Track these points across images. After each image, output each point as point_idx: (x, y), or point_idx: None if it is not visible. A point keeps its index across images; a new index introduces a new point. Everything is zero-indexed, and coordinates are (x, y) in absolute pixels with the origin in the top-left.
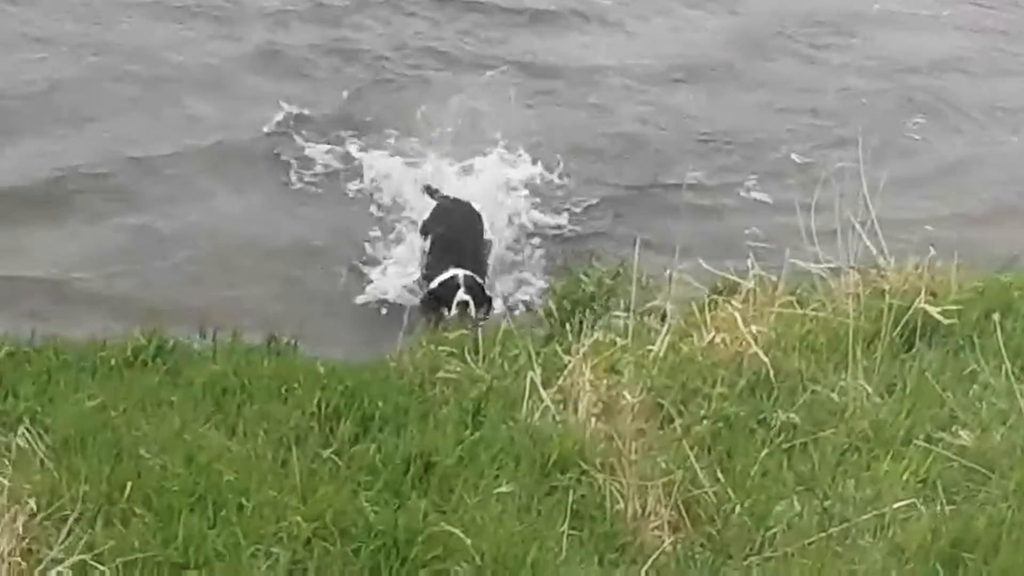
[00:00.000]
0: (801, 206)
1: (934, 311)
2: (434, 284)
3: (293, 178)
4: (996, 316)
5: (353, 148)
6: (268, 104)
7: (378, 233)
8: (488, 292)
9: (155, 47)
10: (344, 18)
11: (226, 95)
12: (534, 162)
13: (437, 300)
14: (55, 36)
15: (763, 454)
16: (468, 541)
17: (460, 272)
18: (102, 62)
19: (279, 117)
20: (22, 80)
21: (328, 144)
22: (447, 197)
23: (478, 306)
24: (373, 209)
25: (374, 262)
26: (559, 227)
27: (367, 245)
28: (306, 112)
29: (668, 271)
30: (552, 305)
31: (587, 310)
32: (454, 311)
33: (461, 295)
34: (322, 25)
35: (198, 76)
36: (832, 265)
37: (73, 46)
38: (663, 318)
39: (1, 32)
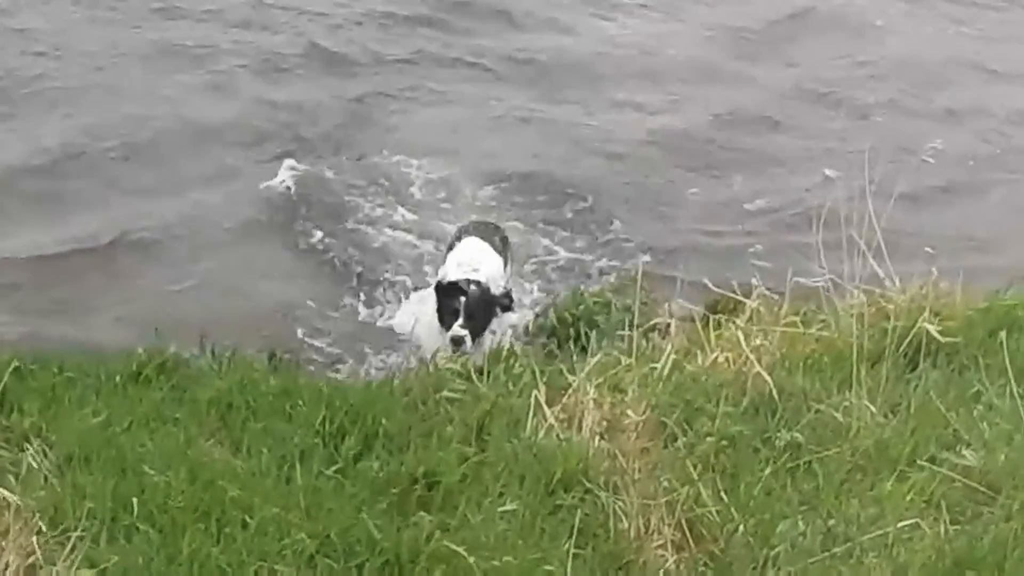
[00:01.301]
0: (807, 226)
1: (935, 331)
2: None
3: (297, 223)
4: (1002, 335)
5: (354, 189)
6: (270, 152)
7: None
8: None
9: (153, 97)
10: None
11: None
12: (531, 178)
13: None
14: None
15: (767, 473)
16: (471, 560)
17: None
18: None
19: (281, 165)
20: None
21: (328, 181)
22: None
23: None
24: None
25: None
26: (561, 245)
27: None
28: (307, 147)
29: (671, 291)
30: (554, 318)
31: (590, 326)
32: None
33: (457, 329)
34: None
35: (197, 128)
36: (837, 284)
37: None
38: (666, 336)
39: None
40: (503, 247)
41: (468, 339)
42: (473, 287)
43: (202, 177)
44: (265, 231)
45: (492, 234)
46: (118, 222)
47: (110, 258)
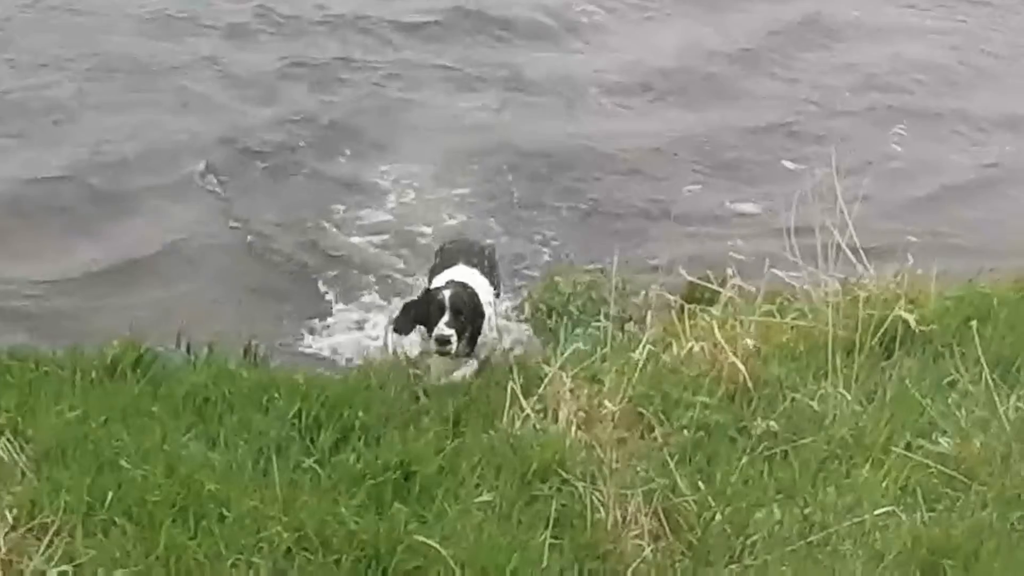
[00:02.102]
0: (782, 216)
1: (911, 319)
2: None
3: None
4: (975, 324)
5: (329, 195)
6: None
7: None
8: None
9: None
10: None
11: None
12: (510, 179)
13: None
14: None
15: (743, 462)
16: (445, 552)
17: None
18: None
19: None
20: None
21: (302, 186)
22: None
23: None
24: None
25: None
26: (536, 238)
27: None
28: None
29: (648, 282)
30: (528, 310)
31: (565, 316)
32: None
33: (443, 328)
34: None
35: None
36: (813, 274)
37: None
38: (643, 327)
39: None
40: (491, 271)
41: (455, 339)
42: (458, 286)
43: (174, 189)
44: (239, 240)
45: (477, 256)
46: (101, 238)
47: (93, 277)
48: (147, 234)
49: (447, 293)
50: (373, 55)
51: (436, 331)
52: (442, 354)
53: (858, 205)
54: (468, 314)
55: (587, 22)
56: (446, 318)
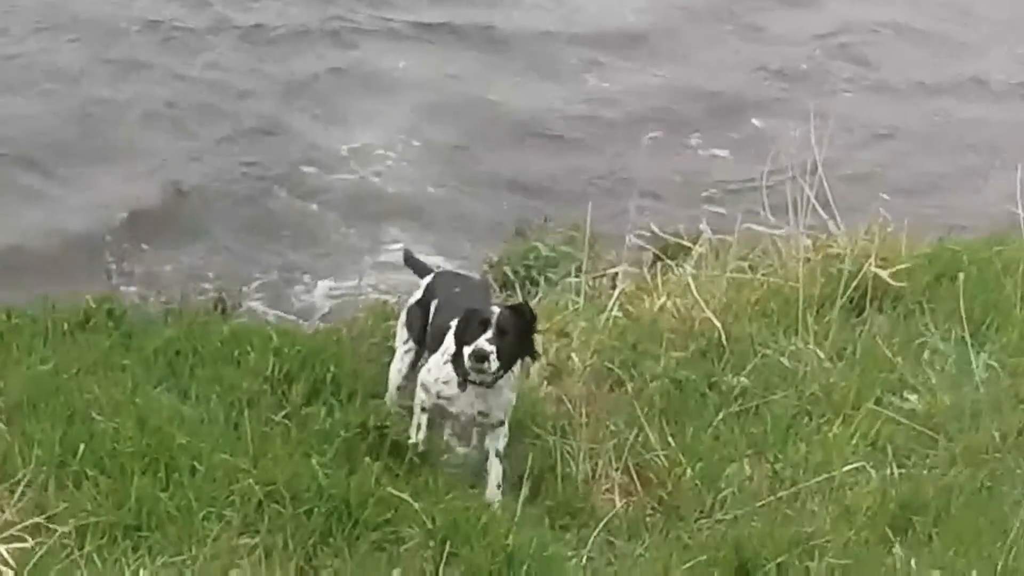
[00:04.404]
0: (755, 172)
1: (884, 274)
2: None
3: None
4: (945, 281)
5: (285, 166)
6: None
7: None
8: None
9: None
10: None
11: None
12: (480, 136)
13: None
14: None
15: (715, 418)
16: (417, 505)
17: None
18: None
19: None
20: None
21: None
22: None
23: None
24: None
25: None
26: (508, 198)
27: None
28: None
29: (621, 238)
30: (508, 269)
31: (540, 274)
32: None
33: (483, 343)
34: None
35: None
36: (785, 230)
37: None
38: (615, 282)
39: None
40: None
41: (494, 357)
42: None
43: (139, 157)
44: (205, 205)
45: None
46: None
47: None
48: (112, 200)
49: (496, 309)
50: (341, 20)
51: (475, 344)
52: (478, 377)
53: (825, 154)
54: (514, 336)
55: None
56: (489, 334)
